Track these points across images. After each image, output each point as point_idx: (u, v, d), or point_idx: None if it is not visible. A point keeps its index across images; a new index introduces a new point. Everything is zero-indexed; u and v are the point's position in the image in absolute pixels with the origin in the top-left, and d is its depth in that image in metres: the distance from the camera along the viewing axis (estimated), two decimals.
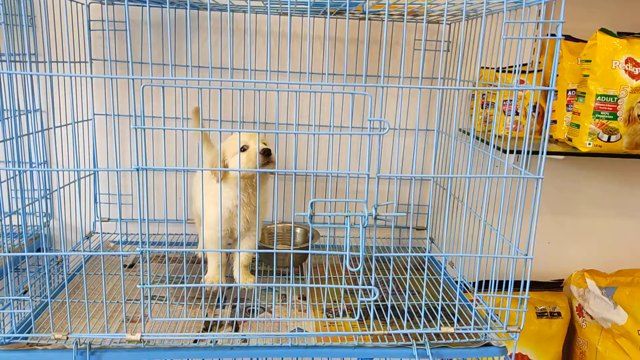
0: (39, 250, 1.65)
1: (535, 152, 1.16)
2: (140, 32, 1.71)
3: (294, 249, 1.26)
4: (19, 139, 1.32)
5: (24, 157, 1.41)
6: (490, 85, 1.57)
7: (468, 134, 1.69)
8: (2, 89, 1.28)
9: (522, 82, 1.67)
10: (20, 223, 1.29)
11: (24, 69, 1.46)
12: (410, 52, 1.80)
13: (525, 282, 1.17)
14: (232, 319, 1.29)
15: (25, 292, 1.33)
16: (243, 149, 1.29)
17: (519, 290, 1.19)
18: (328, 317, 1.37)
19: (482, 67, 1.58)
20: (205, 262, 1.46)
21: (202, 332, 1.25)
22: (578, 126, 1.64)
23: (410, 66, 1.80)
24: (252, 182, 1.33)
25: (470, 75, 1.62)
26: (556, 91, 1.77)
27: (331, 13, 1.63)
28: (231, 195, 1.33)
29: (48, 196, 1.71)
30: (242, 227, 1.37)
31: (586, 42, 1.67)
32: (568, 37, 1.80)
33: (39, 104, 1.28)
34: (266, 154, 1.25)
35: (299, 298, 1.47)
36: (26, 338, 1.17)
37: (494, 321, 1.27)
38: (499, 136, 1.54)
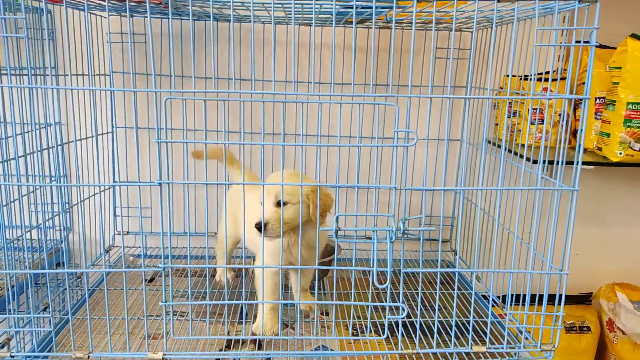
0: (58, 263, 1.63)
1: (569, 163, 1.12)
2: (159, 44, 1.70)
3: (318, 264, 1.22)
4: (39, 152, 1.31)
5: (44, 170, 1.40)
6: (517, 94, 1.53)
7: (492, 143, 1.64)
8: (23, 103, 1.28)
9: (547, 90, 1.62)
10: (39, 237, 1.27)
11: (44, 82, 1.46)
12: (425, 61, 1.75)
13: (560, 297, 1.12)
14: (254, 337, 1.25)
15: (45, 309, 1.31)
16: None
17: (548, 306, 1.14)
18: (353, 334, 1.33)
19: (508, 75, 1.54)
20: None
21: (225, 349, 1.22)
22: (608, 135, 1.59)
23: (424, 75, 1.76)
24: (294, 230, 1.22)
25: (492, 84, 1.57)
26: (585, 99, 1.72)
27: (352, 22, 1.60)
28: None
29: (68, 210, 1.70)
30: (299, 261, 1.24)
31: (614, 48, 1.62)
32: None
33: (58, 117, 1.27)
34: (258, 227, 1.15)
35: (322, 314, 1.43)
36: (47, 357, 1.15)
37: (527, 339, 1.22)
38: (525, 146, 1.49)
